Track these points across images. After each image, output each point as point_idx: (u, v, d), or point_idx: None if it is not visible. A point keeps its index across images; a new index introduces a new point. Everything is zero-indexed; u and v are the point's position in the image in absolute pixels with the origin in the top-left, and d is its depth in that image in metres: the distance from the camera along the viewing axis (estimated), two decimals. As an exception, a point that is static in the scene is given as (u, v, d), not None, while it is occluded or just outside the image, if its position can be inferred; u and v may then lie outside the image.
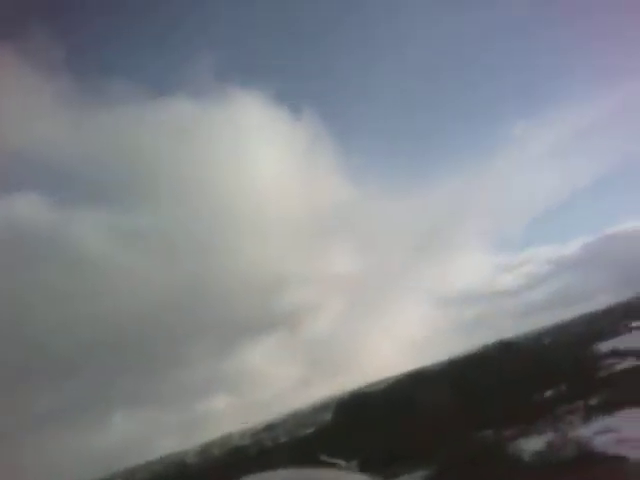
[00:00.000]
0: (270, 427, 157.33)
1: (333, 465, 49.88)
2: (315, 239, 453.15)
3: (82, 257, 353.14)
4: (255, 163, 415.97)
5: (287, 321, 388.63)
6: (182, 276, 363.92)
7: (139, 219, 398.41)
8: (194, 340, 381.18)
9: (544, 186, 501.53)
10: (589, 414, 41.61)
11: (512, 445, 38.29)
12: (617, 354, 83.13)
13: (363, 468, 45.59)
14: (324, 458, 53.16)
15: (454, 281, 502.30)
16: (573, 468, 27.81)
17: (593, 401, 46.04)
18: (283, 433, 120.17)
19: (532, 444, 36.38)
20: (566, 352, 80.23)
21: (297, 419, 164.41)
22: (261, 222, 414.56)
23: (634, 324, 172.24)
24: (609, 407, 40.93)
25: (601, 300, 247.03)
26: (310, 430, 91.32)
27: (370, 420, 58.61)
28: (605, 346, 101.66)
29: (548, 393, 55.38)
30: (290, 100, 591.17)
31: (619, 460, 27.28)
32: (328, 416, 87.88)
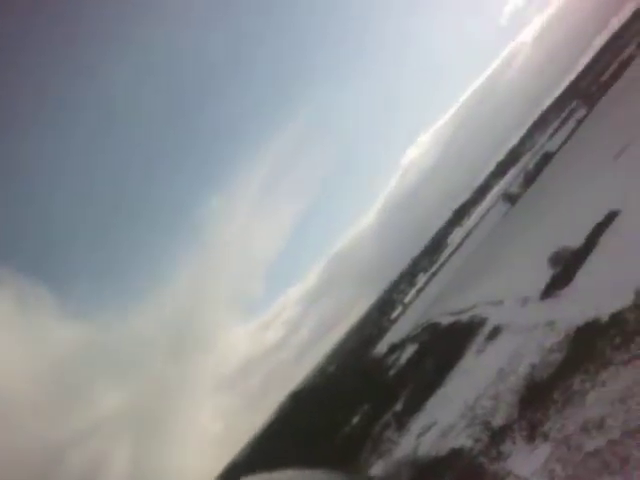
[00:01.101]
0: None
1: None
2: (68, 393, 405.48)
3: None
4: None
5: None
6: None
7: None
8: None
9: (259, 237, 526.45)
10: (401, 421, 37.35)
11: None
12: (396, 347, 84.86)
13: None
14: None
15: (226, 362, 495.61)
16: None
17: (398, 406, 42.25)
18: None
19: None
20: (351, 369, 78.56)
21: None
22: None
23: (393, 315, 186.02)
24: (416, 403, 37.23)
25: (358, 310, 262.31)
26: None
27: None
28: (382, 346, 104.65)
29: (355, 420, 50.91)
30: None
31: (456, 455, 22.74)
32: None
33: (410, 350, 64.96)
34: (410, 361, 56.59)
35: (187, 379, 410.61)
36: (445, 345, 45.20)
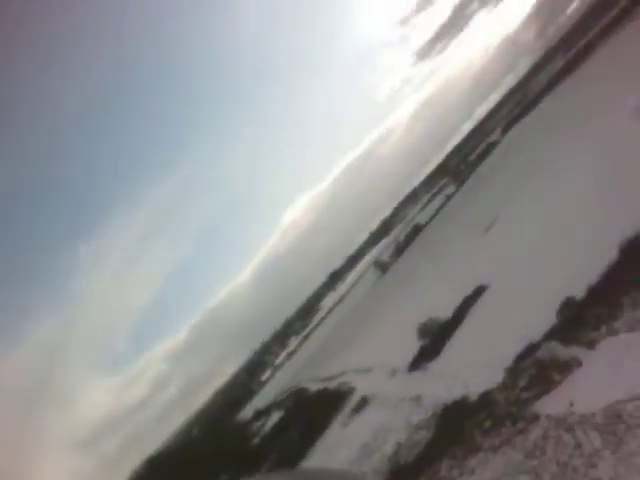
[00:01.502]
0: None
1: None
2: None
3: None
4: None
5: None
6: None
7: None
8: None
9: (129, 290, 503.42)
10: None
11: None
12: (261, 413, 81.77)
13: None
14: None
15: (84, 420, 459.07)
16: None
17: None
18: None
19: None
20: (214, 434, 74.49)
21: None
22: None
23: (262, 377, 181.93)
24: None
25: (228, 369, 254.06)
26: None
27: None
28: (249, 410, 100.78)
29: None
30: None
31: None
32: None
33: (276, 416, 62.48)
34: (275, 429, 54.17)
35: (41, 437, 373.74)
36: (311, 413, 43.54)
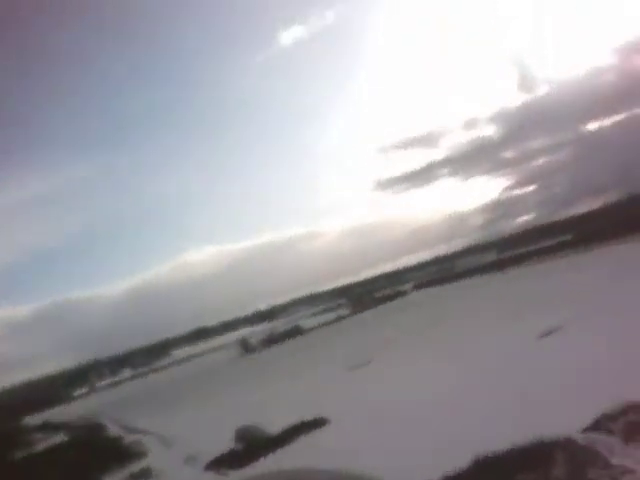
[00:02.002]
0: None
1: None
2: None
3: None
4: None
5: None
6: None
7: None
8: None
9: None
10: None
11: None
12: (49, 427, 73.96)
13: None
14: None
15: None
16: None
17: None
18: None
19: None
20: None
21: None
22: None
23: (76, 392, 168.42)
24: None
25: (45, 367, 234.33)
26: None
27: None
28: (39, 418, 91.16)
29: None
30: None
31: None
32: None
33: (59, 438, 56.17)
34: (50, 451, 48.33)
35: None
36: (91, 455, 38.78)
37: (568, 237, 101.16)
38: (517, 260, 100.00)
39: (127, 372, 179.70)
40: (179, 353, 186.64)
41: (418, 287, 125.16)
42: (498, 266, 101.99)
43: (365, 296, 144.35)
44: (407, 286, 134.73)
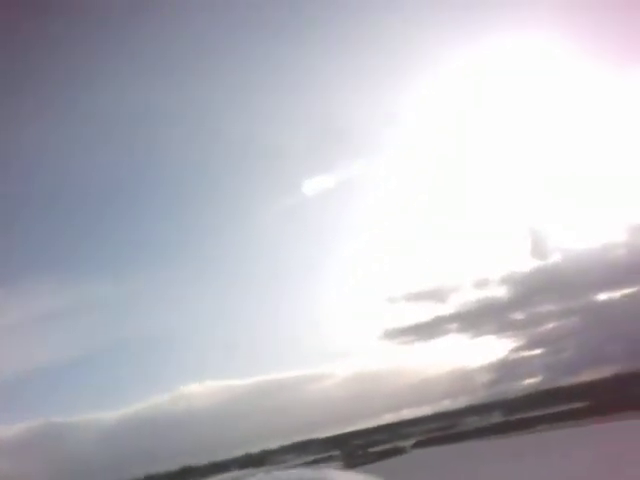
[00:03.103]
0: None
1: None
2: None
3: None
4: None
5: None
6: None
7: None
8: None
9: None
10: None
11: None
12: None
13: None
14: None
15: None
16: None
17: None
18: None
19: None
20: None
21: None
22: None
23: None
24: None
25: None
26: None
27: None
28: None
29: None
30: None
31: None
32: None
33: None
34: None
35: None
36: None
37: (575, 405, 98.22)
38: (523, 425, 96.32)
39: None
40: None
41: (418, 445, 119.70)
42: (503, 430, 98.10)
43: (360, 450, 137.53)
44: (407, 443, 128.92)
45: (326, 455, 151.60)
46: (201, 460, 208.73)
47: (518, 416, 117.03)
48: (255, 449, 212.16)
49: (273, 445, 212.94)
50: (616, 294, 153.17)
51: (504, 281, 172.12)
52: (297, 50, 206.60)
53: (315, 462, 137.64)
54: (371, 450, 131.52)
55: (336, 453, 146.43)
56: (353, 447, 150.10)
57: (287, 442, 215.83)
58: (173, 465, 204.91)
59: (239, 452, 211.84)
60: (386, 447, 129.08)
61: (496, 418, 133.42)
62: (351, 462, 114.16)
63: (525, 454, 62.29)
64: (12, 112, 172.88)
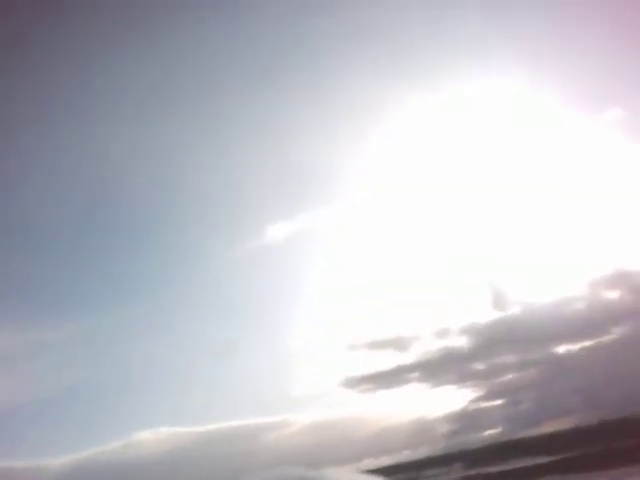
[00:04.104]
0: None
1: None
2: None
3: None
4: None
5: None
6: None
7: None
8: None
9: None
10: None
11: None
12: None
13: None
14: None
15: None
16: None
17: None
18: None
19: None
20: None
21: None
22: None
23: None
24: None
25: None
26: None
27: None
28: None
29: None
30: None
31: None
32: None
33: None
34: None
35: None
36: None
37: (537, 461, 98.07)
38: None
39: None
40: None
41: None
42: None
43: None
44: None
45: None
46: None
47: (479, 469, 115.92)
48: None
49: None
50: (575, 347, 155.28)
51: (464, 331, 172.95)
52: (259, 96, 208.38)
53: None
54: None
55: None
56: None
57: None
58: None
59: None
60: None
61: (457, 471, 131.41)
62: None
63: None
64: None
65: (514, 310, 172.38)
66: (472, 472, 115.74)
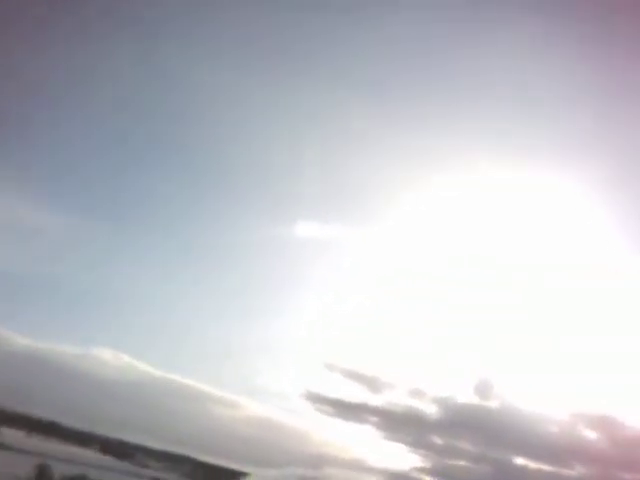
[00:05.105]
0: None
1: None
2: None
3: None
4: None
5: None
6: None
7: None
8: None
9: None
10: None
11: None
12: None
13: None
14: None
15: None
16: None
17: None
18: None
19: None
20: None
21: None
22: None
23: None
24: None
25: None
26: None
27: None
28: None
29: None
30: None
31: None
32: None
33: None
34: None
35: None
36: None
37: None
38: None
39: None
40: None
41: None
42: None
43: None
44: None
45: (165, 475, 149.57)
46: (69, 421, 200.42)
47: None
48: (120, 437, 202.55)
49: (146, 443, 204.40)
50: (533, 465, 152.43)
51: (438, 402, 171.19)
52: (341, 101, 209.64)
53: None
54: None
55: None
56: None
57: (157, 447, 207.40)
58: (44, 413, 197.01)
59: (101, 431, 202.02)
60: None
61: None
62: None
63: None
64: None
65: (493, 403, 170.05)
66: None
